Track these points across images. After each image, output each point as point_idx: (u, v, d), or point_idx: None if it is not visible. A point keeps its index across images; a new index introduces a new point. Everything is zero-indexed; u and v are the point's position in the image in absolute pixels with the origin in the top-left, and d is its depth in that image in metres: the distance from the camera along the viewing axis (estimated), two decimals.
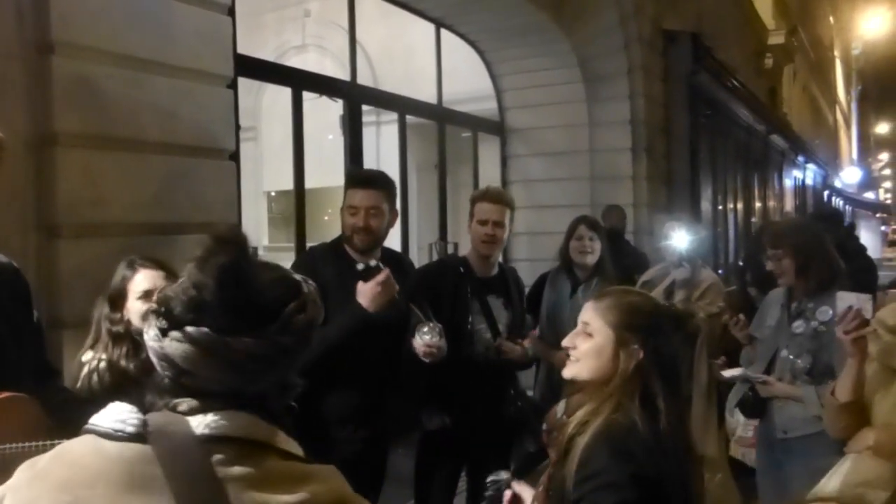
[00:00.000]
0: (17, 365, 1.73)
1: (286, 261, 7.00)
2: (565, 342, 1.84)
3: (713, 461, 3.60)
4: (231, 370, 1.00)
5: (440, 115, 5.96)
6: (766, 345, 3.00)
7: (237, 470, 0.95)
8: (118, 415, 0.99)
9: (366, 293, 2.62)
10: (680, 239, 4.06)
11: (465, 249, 6.01)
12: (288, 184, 6.91)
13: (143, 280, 2.25)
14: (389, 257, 2.95)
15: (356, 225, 2.78)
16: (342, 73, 5.40)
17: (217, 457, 0.95)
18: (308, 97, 4.48)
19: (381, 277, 2.63)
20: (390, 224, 2.91)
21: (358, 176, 3.18)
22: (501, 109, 6.76)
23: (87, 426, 1.00)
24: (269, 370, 1.03)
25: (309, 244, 4.37)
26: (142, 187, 2.70)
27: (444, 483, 3.27)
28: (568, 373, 1.80)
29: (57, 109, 2.44)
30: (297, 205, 4.38)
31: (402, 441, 3.33)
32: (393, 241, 3.99)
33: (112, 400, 1.04)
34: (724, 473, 3.72)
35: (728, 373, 3.13)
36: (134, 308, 2.22)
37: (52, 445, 1.64)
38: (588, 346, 1.75)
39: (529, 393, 3.74)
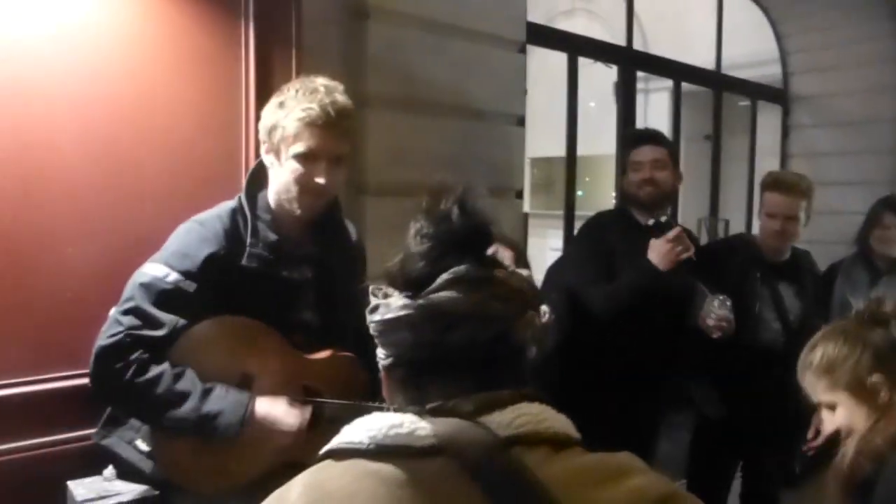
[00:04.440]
0: (345, 329, 1.82)
1: (545, 227, 6.96)
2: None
3: None
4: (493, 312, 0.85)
5: (717, 82, 5.53)
6: None
7: (554, 469, 0.79)
8: (389, 426, 0.81)
9: (657, 248, 2.53)
10: None
11: (736, 226, 5.62)
12: (547, 151, 6.89)
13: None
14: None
15: (642, 178, 2.72)
16: (610, 37, 5.20)
17: (531, 459, 0.79)
18: (580, 63, 4.35)
19: (672, 234, 2.54)
20: (675, 183, 2.81)
21: (637, 133, 3.14)
22: (786, 74, 6.12)
23: (340, 446, 0.83)
24: (517, 316, 0.88)
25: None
26: (437, 149, 2.77)
27: (719, 474, 3.09)
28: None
29: (369, 72, 2.56)
30: (567, 171, 4.30)
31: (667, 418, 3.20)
32: None
33: None
34: None
35: None
36: None
37: (377, 408, 1.74)
38: (840, 421, 1.60)
39: None
